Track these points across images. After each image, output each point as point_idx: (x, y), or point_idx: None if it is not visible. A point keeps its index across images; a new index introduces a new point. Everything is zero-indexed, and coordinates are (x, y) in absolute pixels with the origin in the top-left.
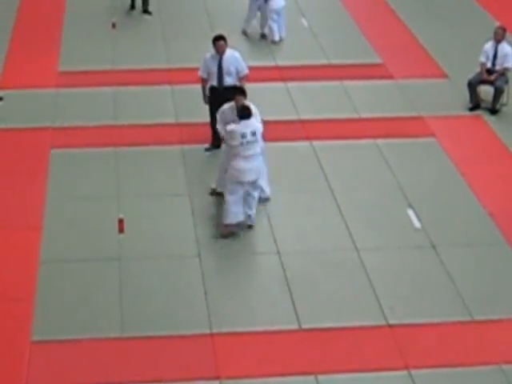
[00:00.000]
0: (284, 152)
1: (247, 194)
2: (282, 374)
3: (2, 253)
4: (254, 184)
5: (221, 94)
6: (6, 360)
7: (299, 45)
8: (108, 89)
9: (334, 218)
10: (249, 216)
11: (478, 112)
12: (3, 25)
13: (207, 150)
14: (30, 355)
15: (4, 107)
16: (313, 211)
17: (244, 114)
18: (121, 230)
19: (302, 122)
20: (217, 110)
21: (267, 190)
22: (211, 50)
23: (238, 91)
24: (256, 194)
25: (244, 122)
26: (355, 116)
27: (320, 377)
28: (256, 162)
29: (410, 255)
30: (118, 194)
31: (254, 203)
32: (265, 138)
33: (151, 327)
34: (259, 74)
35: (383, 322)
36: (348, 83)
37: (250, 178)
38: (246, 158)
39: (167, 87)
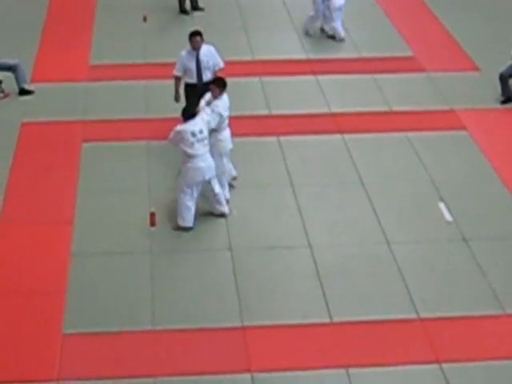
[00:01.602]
0: (315, 145)
1: (210, 190)
2: (313, 368)
3: (34, 246)
4: (213, 180)
5: (200, 90)
6: (39, 352)
7: (330, 38)
8: (139, 82)
9: (365, 211)
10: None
11: (509, 105)
12: (35, 19)
13: None
14: (61, 348)
15: (35, 101)
16: (344, 204)
17: (187, 114)
18: (152, 224)
19: (333, 115)
20: (195, 106)
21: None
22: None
23: (216, 81)
24: (220, 189)
25: (191, 122)
26: (386, 109)
27: (351, 370)
28: (209, 160)
29: (441, 248)
30: (149, 188)
31: (222, 197)
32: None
33: (182, 320)
34: (290, 67)
35: (414, 316)
36: (379, 76)
37: (206, 176)
38: (199, 156)
39: None
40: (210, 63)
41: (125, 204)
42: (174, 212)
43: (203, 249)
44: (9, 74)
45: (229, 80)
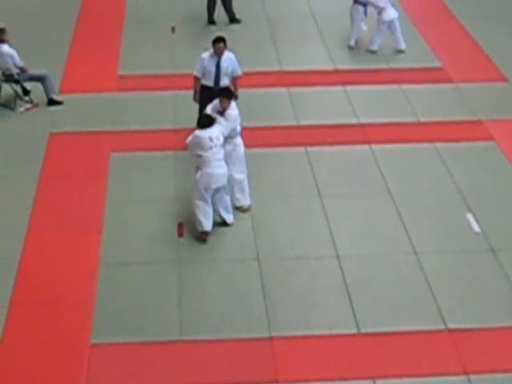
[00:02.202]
0: (343, 155)
1: (220, 198)
2: (340, 379)
3: (62, 256)
4: (224, 188)
5: (215, 94)
6: (67, 362)
7: (358, 48)
8: (167, 93)
9: (392, 221)
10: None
11: None
12: (64, 29)
13: None
14: (89, 358)
15: (64, 111)
16: (371, 215)
17: (204, 122)
18: (180, 234)
19: (361, 125)
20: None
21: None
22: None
23: (224, 93)
24: (227, 197)
25: (207, 129)
26: (414, 120)
27: (378, 381)
28: (224, 167)
29: (469, 259)
30: (177, 198)
31: (228, 205)
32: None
33: (210, 330)
34: (318, 78)
35: (442, 327)
36: (407, 87)
37: (219, 183)
38: (215, 161)
39: None
40: (230, 70)
41: (153, 214)
42: None
43: (231, 259)
44: (38, 85)
45: (257, 91)
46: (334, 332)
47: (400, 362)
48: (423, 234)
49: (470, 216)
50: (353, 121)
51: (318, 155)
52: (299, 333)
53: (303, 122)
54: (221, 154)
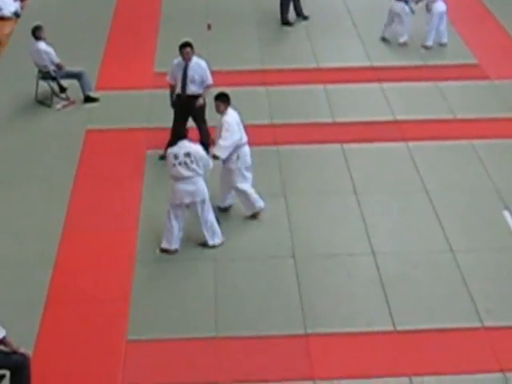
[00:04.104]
0: (379, 153)
1: (197, 216)
2: (376, 376)
3: (99, 253)
4: (200, 205)
5: (183, 102)
6: (103, 359)
7: (395, 45)
8: None
9: (428, 219)
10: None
11: None
12: (100, 27)
13: (162, 158)
14: (125, 354)
15: (100, 108)
16: (407, 212)
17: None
18: None
19: (397, 122)
20: (179, 117)
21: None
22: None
23: (218, 97)
24: (208, 217)
25: (181, 143)
26: (451, 117)
27: (414, 379)
28: (194, 184)
29: (505, 257)
30: (213, 194)
31: (210, 226)
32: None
33: (245, 327)
34: (354, 75)
35: (478, 324)
36: (443, 84)
37: (187, 199)
38: (181, 179)
39: (262, 88)
40: (196, 77)
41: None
42: (236, 218)
43: (267, 256)
44: (74, 82)
45: (293, 88)
46: (370, 329)
47: (436, 359)
48: (459, 231)
49: (506, 214)
50: (389, 118)
51: (353, 152)
52: (335, 330)
53: (339, 119)
54: (189, 169)
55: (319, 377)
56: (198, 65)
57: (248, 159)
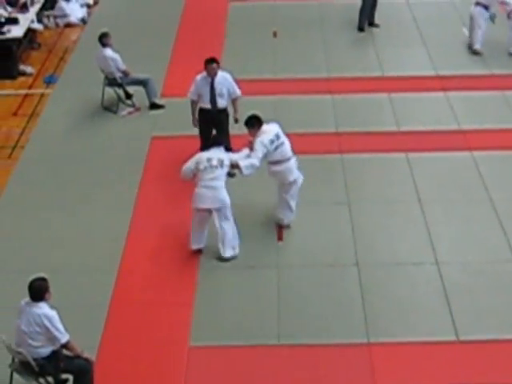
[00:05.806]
0: (444, 162)
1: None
2: None
3: (163, 258)
4: (217, 213)
5: (213, 116)
6: (166, 364)
7: (460, 54)
8: (269, 97)
9: (493, 228)
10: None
11: None
12: (166, 34)
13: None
14: (188, 360)
15: (166, 115)
16: (472, 222)
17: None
18: (279, 238)
19: (462, 132)
20: (208, 131)
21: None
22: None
23: (247, 124)
24: (224, 226)
25: (213, 150)
26: None
27: None
28: (216, 190)
29: None
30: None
31: (223, 236)
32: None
33: (308, 335)
34: (419, 84)
35: None
36: (510, 93)
37: (205, 205)
38: (206, 184)
39: (328, 97)
40: (224, 91)
41: (253, 217)
42: (300, 227)
43: (330, 264)
44: (140, 89)
45: (358, 96)
46: (433, 339)
47: (500, 370)
48: None
49: None
50: (454, 127)
51: (418, 161)
52: (397, 339)
53: (404, 128)
54: (214, 174)
55: None
56: (224, 78)
57: (290, 175)
